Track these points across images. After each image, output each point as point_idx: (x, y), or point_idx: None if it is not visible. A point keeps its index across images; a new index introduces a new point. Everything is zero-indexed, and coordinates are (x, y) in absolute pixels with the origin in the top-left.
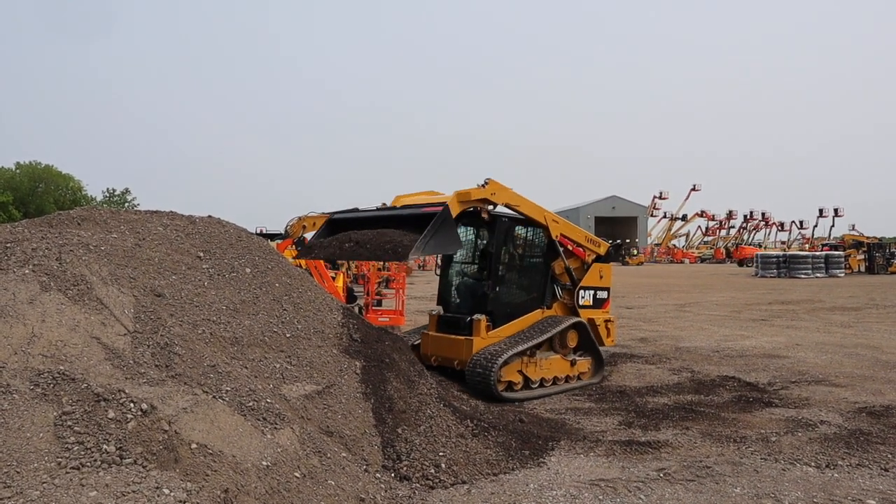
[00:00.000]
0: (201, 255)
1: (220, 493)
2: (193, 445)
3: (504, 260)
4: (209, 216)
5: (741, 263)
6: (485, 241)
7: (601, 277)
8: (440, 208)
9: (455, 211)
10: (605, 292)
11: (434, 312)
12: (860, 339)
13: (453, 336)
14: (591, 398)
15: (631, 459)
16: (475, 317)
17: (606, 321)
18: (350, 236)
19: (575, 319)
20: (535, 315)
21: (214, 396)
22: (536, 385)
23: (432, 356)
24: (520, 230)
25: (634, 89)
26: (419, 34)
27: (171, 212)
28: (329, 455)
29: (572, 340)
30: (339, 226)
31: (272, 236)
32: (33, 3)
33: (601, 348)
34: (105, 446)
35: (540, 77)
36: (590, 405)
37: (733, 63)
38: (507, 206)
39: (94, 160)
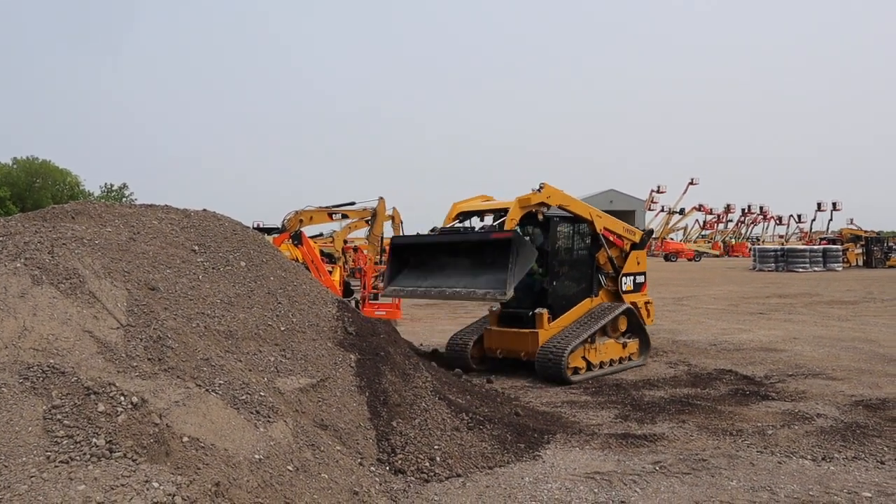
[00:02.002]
0: (196, 248)
1: (211, 487)
2: (185, 439)
3: (558, 256)
4: (204, 210)
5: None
6: (535, 238)
7: (638, 263)
8: (509, 234)
9: (518, 217)
10: (643, 276)
11: (494, 308)
12: (857, 332)
13: (517, 329)
14: (588, 391)
15: (627, 452)
16: (537, 311)
17: (646, 303)
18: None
19: (625, 306)
20: (586, 304)
21: (207, 390)
22: (597, 367)
23: (497, 349)
24: (566, 226)
25: (635, 87)
26: (410, 36)
27: (166, 206)
28: (323, 448)
29: (623, 325)
30: (405, 251)
31: (269, 230)
32: (29, 4)
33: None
34: (94, 440)
35: (535, 77)
36: (586, 398)
37: (735, 62)
38: (559, 206)
39: (93, 156)
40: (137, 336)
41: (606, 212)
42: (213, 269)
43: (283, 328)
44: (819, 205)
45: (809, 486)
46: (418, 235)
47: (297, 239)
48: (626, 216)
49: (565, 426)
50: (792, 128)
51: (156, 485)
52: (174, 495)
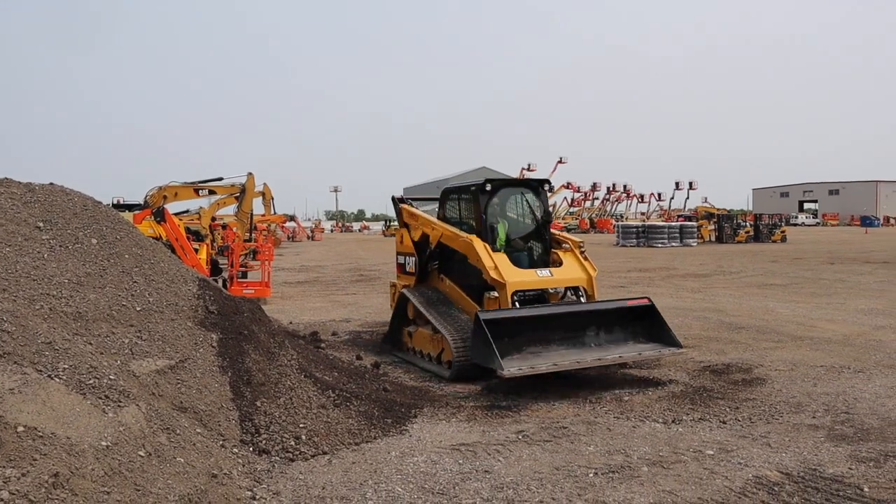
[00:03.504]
0: (41, 225)
1: (47, 478)
2: (20, 429)
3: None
4: (51, 184)
5: None
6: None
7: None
8: (647, 300)
9: None
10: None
11: (491, 295)
12: (708, 303)
13: None
14: None
15: (491, 423)
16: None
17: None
18: None
19: None
20: None
21: (49, 375)
22: None
23: None
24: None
25: (512, 70)
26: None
27: (6, 179)
28: (179, 432)
29: None
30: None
31: (129, 206)
32: None
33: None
34: None
35: (437, 59)
36: None
37: (600, 41)
38: None
39: None
40: None
41: None
42: (60, 247)
43: (138, 308)
44: (677, 184)
45: (660, 448)
46: (531, 307)
47: (160, 216)
48: None
49: (433, 400)
50: (652, 103)
51: None
52: (1, 490)
